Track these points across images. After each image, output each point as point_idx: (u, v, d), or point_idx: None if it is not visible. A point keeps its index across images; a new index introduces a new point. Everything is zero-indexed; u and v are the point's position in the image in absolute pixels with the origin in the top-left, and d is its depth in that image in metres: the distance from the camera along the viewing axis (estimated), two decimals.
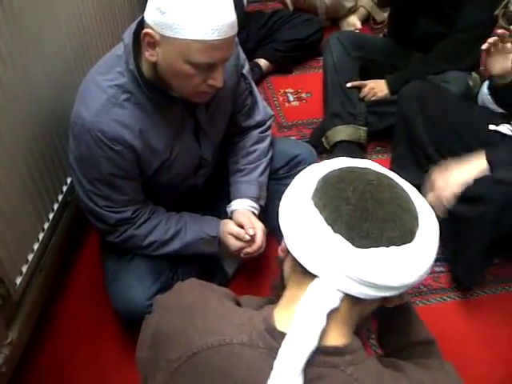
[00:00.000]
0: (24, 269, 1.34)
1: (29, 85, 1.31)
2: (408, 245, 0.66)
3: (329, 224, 0.66)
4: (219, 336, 0.67)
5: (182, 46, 1.04)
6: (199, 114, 1.28)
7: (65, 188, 1.57)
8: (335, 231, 0.65)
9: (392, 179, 0.71)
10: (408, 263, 0.65)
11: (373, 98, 2.09)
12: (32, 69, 1.32)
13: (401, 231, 0.65)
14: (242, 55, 1.39)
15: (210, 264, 1.56)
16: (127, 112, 1.17)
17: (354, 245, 0.65)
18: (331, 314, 0.66)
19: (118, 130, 1.16)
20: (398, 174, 0.73)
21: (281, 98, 2.44)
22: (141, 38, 1.09)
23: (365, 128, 2.04)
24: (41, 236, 1.43)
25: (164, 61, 1.09)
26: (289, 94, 2.46)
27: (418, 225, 0.68)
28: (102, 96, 1.15)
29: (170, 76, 1.12)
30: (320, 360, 0.65)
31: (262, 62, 2.51)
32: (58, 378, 1.43)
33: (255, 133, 1.48)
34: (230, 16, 1.05)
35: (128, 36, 1.14)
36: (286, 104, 2.41)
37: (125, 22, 1.96)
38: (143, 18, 1.10)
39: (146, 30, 1.06)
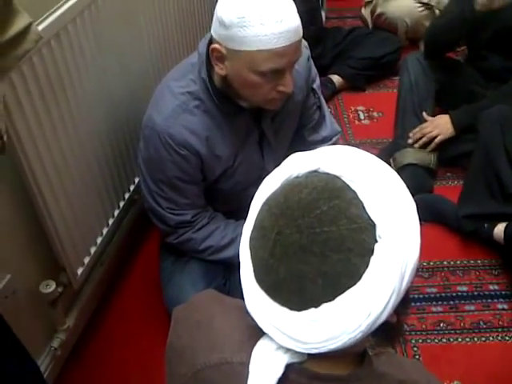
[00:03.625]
0: (86, 260, 1.40)
1: (107, 87, 1.38)
2: (353, 288, 0.52)
3: (257, 283, 0.58)
4: (220, 354, 0.65)
5: (247, 57, 1.06)
6: (265, 125, 1.30)
7: (132, 187, 1.64)
8: (265, 292, 0.58)
9: (336, 190, 0.55)
10: (360, 305, 0.53)
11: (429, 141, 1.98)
12: (111, 72, 1.39)
13: (325, 284, 0.52)
14: (314, 70, 1.40)
15: None
16: (196, 119, 1.20)
17: (285, 307, 0.56)
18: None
19: (186, 135, 1.20)
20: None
21: (351, 116, 2.42)
22: (211, 54, 1.12)
23: (435, 153, 1.98)
24: (105, 231, 1.49)
25: (233, 73, 1.11)
26: (360, 112, 2.44)
27: (374, 241, 0.53)
28: (174, 101, 1.20)
29: (241, 87, 1.14)
30: None
31: (336, 78, 2.50)
32: (108, 366, 1.48)
33: None
34: (293, 21, 1.04)
35: (202, 46, 1.18)
36: (356, 122, 2.38)
37: (203, 32, 2.02)
38: None
39: (213, 46, 1.09)
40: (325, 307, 0.53)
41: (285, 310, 0.56)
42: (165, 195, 1.30)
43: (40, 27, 1.03)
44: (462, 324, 1.57)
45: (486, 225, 1.69)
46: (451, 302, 1.63)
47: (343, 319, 0.54)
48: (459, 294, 1.66)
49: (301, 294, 0.54)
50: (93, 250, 1.44)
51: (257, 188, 0.62)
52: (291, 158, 0.61)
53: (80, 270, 1.37)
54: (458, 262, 1.74)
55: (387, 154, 2.06)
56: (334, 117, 1.55)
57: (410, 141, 1.99)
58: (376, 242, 0.53)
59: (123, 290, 1.67)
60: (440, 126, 1.96)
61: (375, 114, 2.42)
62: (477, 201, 1.71)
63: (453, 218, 1.76)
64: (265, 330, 0.60)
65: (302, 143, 1.48)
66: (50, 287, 1.25)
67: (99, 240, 1.47)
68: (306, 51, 1.32)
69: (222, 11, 1.04)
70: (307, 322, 0.55)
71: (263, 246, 0.56)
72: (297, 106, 1.35)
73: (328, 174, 0.56)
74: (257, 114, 1.25)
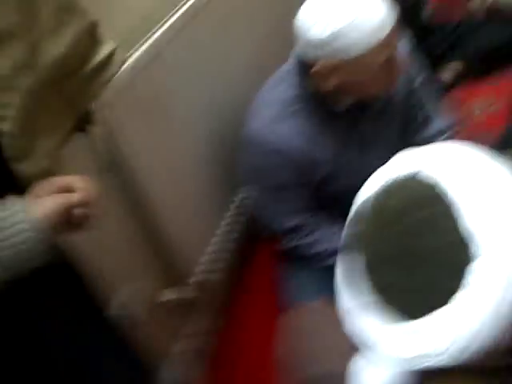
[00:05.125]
0: (200, 268, 1.45)
1: (209, 99, 1.44)
2: (442, 309, 0.48)
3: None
4: (327, 364, 0.65)
5: (358, 60, 1.06)
6: (364, 127, 1.27)
7: (239, 196, 1.66)
8: None
9: (430, 199, 0.50)
10: (446, 328, 0.48)
11: None
12: (212, 84, 1.44)
13: (412, 300, 0.49)
14: (417, 66, 1.34)
15: None
16: (294, 124, 1.21)
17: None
18: None
19: (286, 141, 1.21)
20: None
21: (470, 108, 2.27)
22: (312, 75, 1.12)
23: None
24: (216, 240, 1.54)
25: (346, 82, 1.11)
26: (475, 106, 2.28)
27: (471, 258, 0.47)
28: (272, 109, 1.21)
29: (359, 89, 1.14)
30: None
31: (451, 70, 2.37)
32: (232, 373, 1.51)
33: None
34: (384, 7, 1.04)
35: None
36: (476, 112, 2.23)
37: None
38: None
39: (317, 68, 1.09)
40: (413, 324, 0.50)
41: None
42: (270, 202, 1.31)
43: (141, 49, 1.10)
44: None
45: None
46: None
47: (430, 339, 0.49)
48: None
49: (389, 306, 0.51)
50: (205, 258, 1.48)
51: None
52: (394, 159, 0.59)
53: (195, 278, 1.42)
54: None
55: (502, 146, 1.87)
56: (450, 110, 1.46)
57: None
58: (473, 259, 0.47)
59: (240, 297, 1.68)
60: None
61: (492, 108, 2.25)
62: None
63: None
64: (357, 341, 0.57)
65: (413, 142, 1.41)
66: (168, 296, 1.31)
67: (211, 248, 1.51)
68: (406, 47, 1.27)
69: (310, 34, 1.05)
70: (398, 335, 0.52)
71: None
72: (398, 106, 1.31)
73: (426, 179, 0.52)
74: (355, 116, 1.22)
